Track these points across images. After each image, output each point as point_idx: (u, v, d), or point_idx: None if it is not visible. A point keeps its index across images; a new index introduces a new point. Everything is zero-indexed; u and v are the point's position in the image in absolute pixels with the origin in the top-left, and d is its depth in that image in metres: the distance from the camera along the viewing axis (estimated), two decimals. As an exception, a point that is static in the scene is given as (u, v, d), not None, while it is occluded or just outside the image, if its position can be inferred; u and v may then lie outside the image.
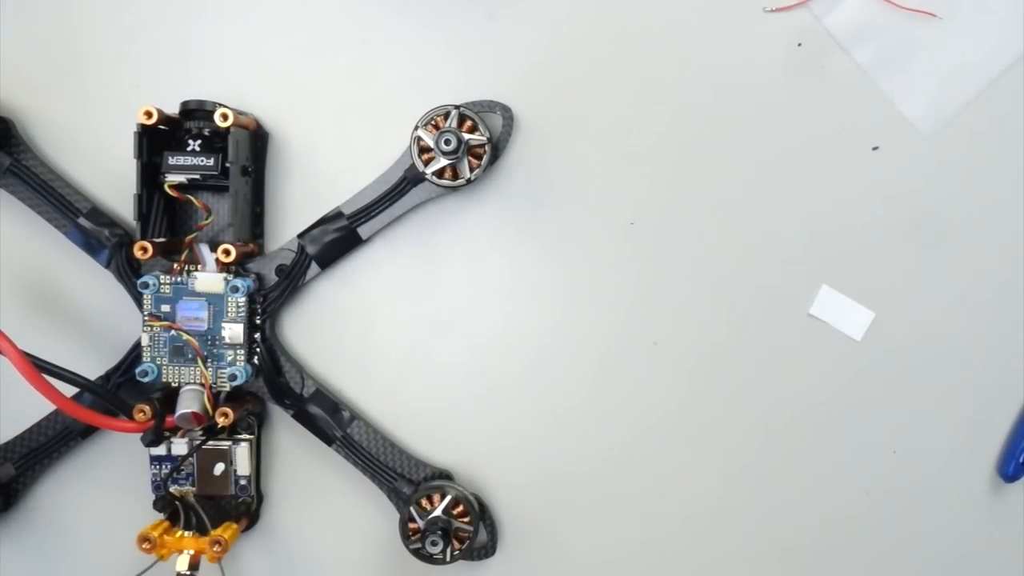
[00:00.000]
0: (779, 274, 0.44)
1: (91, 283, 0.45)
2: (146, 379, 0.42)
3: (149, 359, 0.43)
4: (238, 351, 0.43)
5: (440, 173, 0.42)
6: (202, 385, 0.43)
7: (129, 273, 0.43)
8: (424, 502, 0.42)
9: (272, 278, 0.44)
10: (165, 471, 0.43)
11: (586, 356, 0.45)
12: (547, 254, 0.45)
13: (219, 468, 0.44)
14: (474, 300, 0.45)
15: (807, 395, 0.45)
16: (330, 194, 0.44)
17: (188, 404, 0.42)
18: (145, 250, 0.41)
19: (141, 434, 0.42)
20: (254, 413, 0.44)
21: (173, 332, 0.43)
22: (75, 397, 0.42)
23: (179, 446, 0.43)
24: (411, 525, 0.42)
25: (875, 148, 0.43)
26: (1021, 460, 0.44)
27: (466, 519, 0.42)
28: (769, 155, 0.44)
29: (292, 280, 0.44)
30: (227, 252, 0.42)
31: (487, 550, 0.45)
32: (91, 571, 0.46)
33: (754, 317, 0.44)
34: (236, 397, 0.44)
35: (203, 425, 0.42)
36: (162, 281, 0.43)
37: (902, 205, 0.44)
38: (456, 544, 0.42)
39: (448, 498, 0.42)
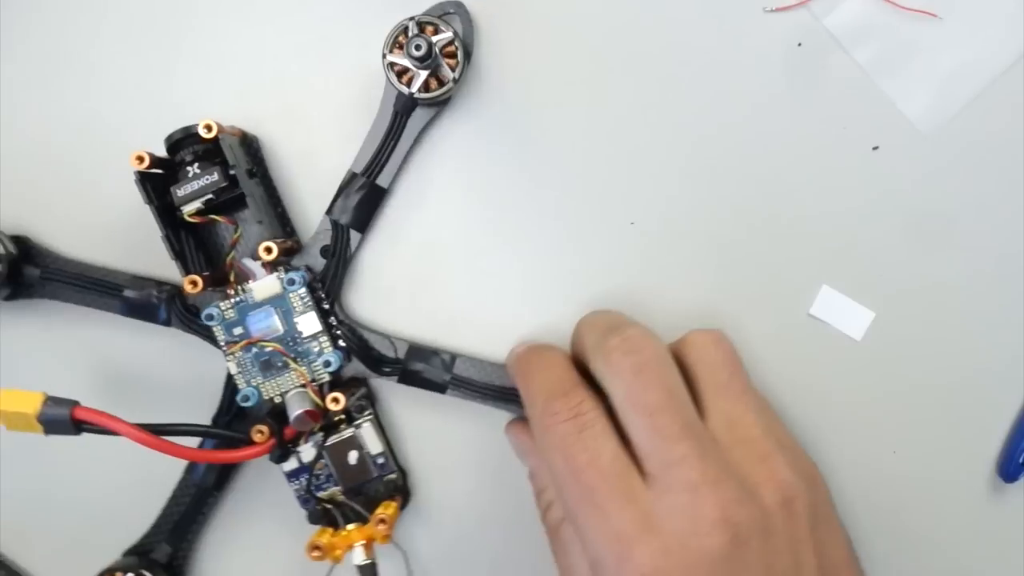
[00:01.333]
0: (779, 274, 0.43)
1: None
2: (249, 403, 0.42)
3: (244, 384, 0.43)
4: (321, 340, 0.43)
5: (425, 88, 0.41)
6: (303, 385, 0.43)
7: (191, 317, 0.43)
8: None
9: (321, 263, 0.44)
10: (304, 481, 0.43)
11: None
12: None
13: (353, 456, 0.44)
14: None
15: (807, 395, 0.44)
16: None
17: (298, 406, 0.41)
18: (195, 283, 0.41)
19: (269, 456, 0.42)
20: (362, 395, 0.44)
21: (255, 349, 0.43)
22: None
23: (307, 452, 0.43)
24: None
25: (875, 148, 0.43)
26: (1021, 460, 0.43)
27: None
28: (769, 155, 0.43)
29: (339, 256, 0.43)
30: (268, 249, 0.41)
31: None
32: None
33: (754, 317, 0.44)
34: (337, 384, 0.43)
35: (319, 422, 0.42)
36: (223, 308, 0.43)
37: (902, 205, 0.43)
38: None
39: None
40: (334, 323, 0.43)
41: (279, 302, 0.42)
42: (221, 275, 0.43)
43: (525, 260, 0.45)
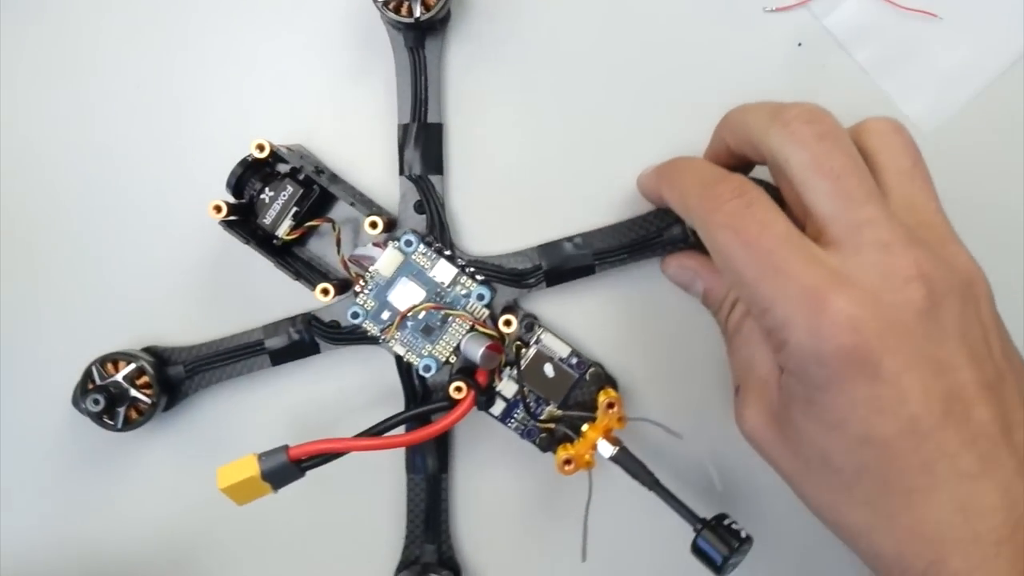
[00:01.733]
0: None
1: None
2: (432, 372, 0.42)
3: (417, 358, 0.42)
4: (461, 281, 0.42)
5: (425, 7, 0.41)
6: (471, 328, 0.42)
7: (336, 331, 0.43)
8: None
9: (421, 219, 0.44)
10: (519, 414, 0.43)
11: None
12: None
13: (549, 369, 0.43)
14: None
15: None
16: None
17: (477, 345, 0.41)
18: (327, 291, 0.41)
19: (476, 406, 0.41)
20: (524, 315, 0.44)
21: (409, 322, 0.42)
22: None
23: (507, 388, 0.43)
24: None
25: None
26: None
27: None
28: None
29: (433, 202, 0.43)
30: (374, 224, 0.41)
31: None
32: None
33: None
34: (495, 316, 0.43)
35: (503, 352, 0.42)
36: (362, 302, 0.42)
37: None
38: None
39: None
40: (462, 263, 0.43)
41: (406, 269, 0.42)
42: (345, 283, 0.42)
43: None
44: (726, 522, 0.38)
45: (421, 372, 0.42)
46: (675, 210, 0.39)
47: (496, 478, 0.46)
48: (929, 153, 0.41)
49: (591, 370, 0.43)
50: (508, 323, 0.42)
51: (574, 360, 0.43)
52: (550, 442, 0.43)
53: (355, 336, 0.43)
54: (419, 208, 0.43)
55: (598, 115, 0.45)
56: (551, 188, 0.45)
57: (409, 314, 0.42)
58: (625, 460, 0.41)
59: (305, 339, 0.44)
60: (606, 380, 0.43)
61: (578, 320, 0.45)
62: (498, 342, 0.41)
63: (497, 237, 0.45)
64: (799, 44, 0.43)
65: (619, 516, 0.45)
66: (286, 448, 0.39)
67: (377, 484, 0.46)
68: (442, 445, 0.45)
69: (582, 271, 0.43)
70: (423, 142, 0.43)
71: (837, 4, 0.43)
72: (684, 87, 0.44)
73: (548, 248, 0.43)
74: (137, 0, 0.45)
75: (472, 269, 0.43)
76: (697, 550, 0.38)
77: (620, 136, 0.45)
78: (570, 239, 0.43)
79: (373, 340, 0.43)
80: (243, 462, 0.39)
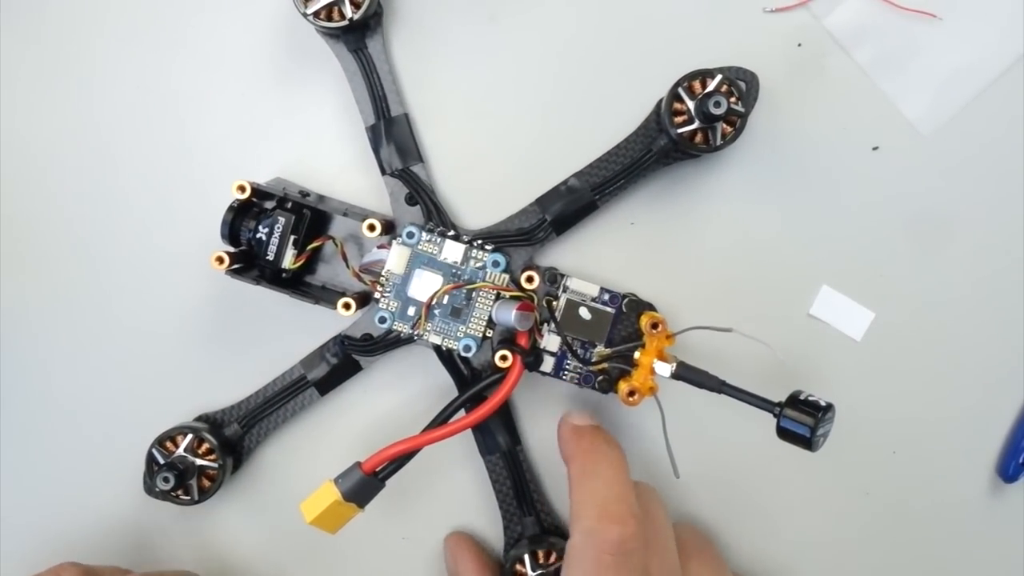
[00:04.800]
0: (779, 274, 0.43)
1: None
2: (472, 351, 0.42)
3: (454, 341, 0.42)
4: (472, 255, 0.42)
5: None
6: (497, 296, 0.42)
7: (372, 345, 0.44)
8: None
9: (415, 210, 0.43)
10: (570, 365, 0.43)
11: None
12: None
13: (584, 312, 0.43)
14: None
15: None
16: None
17: (508, 309, 0.41)
18: (348, 305, 0.41)
19: (527, 368, 0.41)
20: (545, 269, 0.44)
21: (437, 310, 0.42)
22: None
23: (550, 342, 0.43)
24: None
25: (875, 148, 0.43)
26: (1021, 460, 0.43)
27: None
28: (769, 155, 0.43)
29: (423, 191, 0.43)
30: (372, 227, 0.41)
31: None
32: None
33: (754, 317, 0.43)
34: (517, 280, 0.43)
35: (535, 309, 0.42)
36: (385, 307, 0.42)
37: (902, 205, 0.43)
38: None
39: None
40: (468, 239, 0.43)
41: (417, 260, 0.42)
42: (364, 295, 0.42)
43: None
44: (802, 397, 0.38)
45: (462, 353, 0.41)
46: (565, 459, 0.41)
47: None
48: (928, 154, 0.43)
49: (625, 300, 0.43)
50: (531, 279, 0.41)
51: (606, 296, 0.43)
52: (609, 382, 0.43)
53: (390, 342, 0.43)
54: (410, 200, 0.43)
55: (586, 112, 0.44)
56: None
57: (433, 302, 0.42)
58: (686, 373, 0.40)
59: (344, 361, 0.44)
60: (643, 306, 0.43)
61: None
62: (527, 300, 0.41)
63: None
64: (799, 44, 0.43)
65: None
66: (358, 464, 0.39)
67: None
68: (507, 419, 0.44)
69: (585, 210, 0.43)
70: (394, 136, 0.43)
71: (837, 4, 0.43)
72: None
73: (546, 198, 0.43)
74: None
75: (480, 241, 0.43)
76: (783, 431, 0.37)
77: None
78: (564, 183, 0.43)
79: (408, 340, 0.43)
80: (321, 491, 0.39)
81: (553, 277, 0.43)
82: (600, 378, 0.42)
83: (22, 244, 0.45)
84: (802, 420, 0.36)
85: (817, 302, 0.44)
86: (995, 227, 0.43)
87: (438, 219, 0.43)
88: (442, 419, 0.40)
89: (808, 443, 0.36)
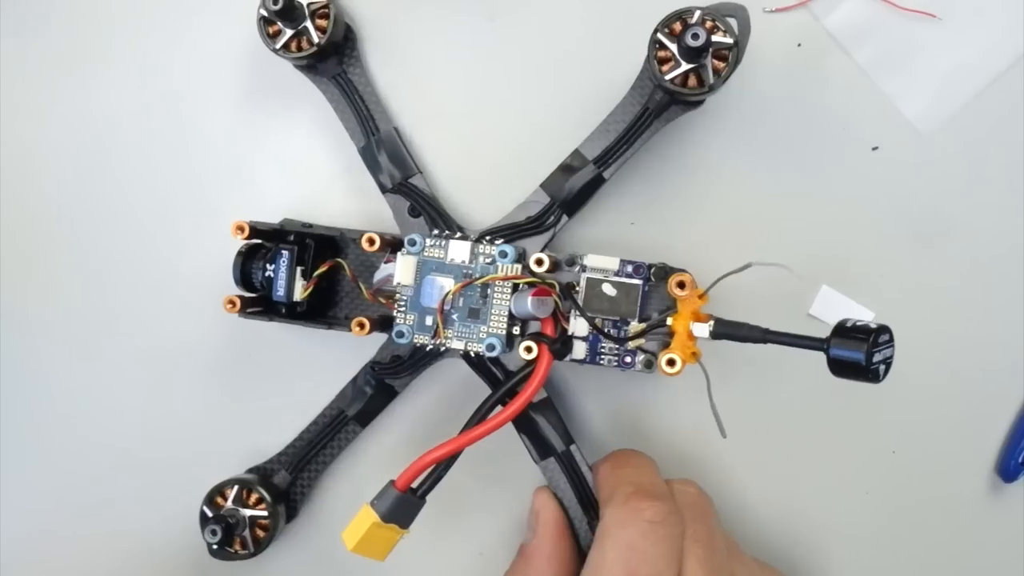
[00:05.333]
0: (779, 274, 0.41)
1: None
2: (497, 350, 0.40)
3: (478, 343, 0.40)
4: (479, 251, 0.40)
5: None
6: (513, 289, 0.40)
7: (401, 367, 0.42)
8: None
9: (419, 222, 0.42)
10: (606, 347, 0.40)
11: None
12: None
13: (608, 288, 0.40)
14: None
15: (807, 395, 0.43)
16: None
17: (524, 298, 0.39)
18: (363, 324, 0.40)
19: (556, 358, 0.39)
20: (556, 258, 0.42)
21: (454, 314, 0.41)
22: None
23: (579, 326, 0.40)
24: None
25: (875, 148, 0.43)
26: (1021, 460, 0.43)
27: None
28: (768, 155, 0.43)
29: (423, 199, 0.42)
30: (371, 240, 0.40)
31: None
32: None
33: (753, 317, 0.39)
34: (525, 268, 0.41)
35: (553, 293, 0.39)
36: (402, 321, 0.41)
37: (902, 205, 0.43)
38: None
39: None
40: (474, 237, 0.41)
41: (425, 268, 0.40)
42: (384, 320, 0.41)
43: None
44: (849, 324, 0.34)
45: (487, 353, 0.39)
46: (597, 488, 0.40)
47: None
48: (928, 154, 0.42)
49: (653, 269, 0.40)
50: (540, 262, 0.39)
51: (628, 268, 0.40)
52: (652, 358, 0.40)
53: (419, 359, 0.42)
54: (413, 212, 0.42)
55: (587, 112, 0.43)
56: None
57: (446, 306, 0.40)
58: (725, 329, 0.37)
59: (378, 388, 0.43)
60: (671, 271, 0.40)
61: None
62: (542, 285, 0.39)
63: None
64: (799, 44, 0.43)
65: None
66: (391, 482, 0.37)
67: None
68: (556, 418, 0.42)
69: (592, 185, 0.41)
70: (387, 153, 0.43)
71: (837, 5, 0.42)
72: None
73: (551, 181, 0.41)
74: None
75: (488, 237, 0.41)
76: (836, 365, 0.33)
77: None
78: (565, 163, 0.41)
79: (436, 353, 0.41)
80: (359, 516, 0.37)
81: (571, 260, 0.40)
82: (642, 356, 0.39)
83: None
84: (853, 347, 0.32)
85: (817, 302, 0.43)
86: (995, 227, 0.42)
87: (443, 225, 0.41)
88: (475, 420, 0.38)
89: (865, 372, 0.32)
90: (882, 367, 0.32)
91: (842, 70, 0.42)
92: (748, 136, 0.42)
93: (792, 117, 0.42)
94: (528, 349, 0.38)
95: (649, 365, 0.39)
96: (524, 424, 0.41)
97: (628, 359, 0.39)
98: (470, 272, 0.40)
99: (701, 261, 0.41)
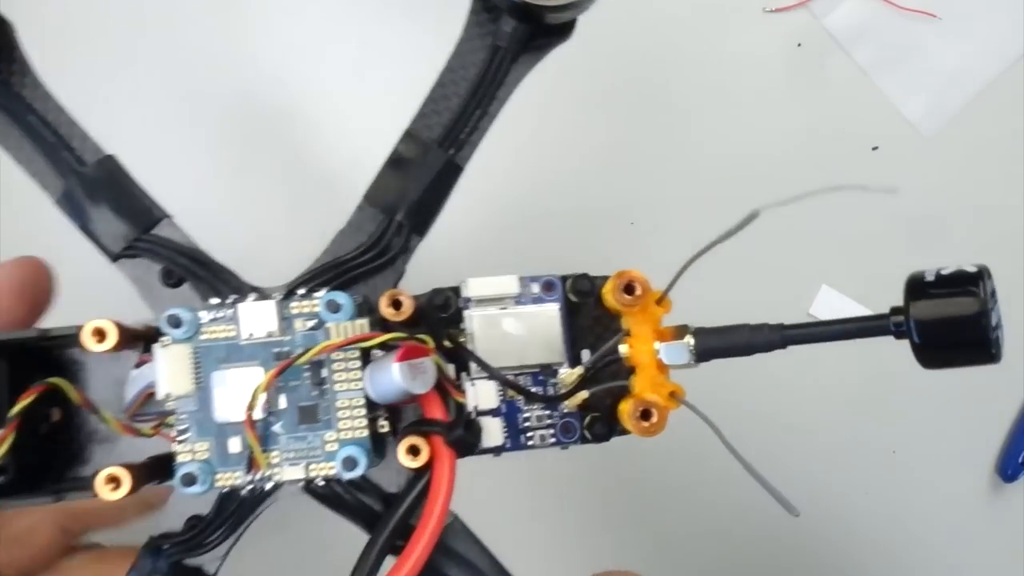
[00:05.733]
0: (779, 274, 0.43)
1: None
2: (360, 468, 0.24)
3: (328, 458, 0.24)
4: (296, 308, 0.25)
5: None
6: (361, 358, 0.24)
7: (204, 535, 0.26)
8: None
9: (184, 291, 0.26)
10: (532, 415, 0.25)
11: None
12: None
13: (510, 325, 0.25)
14: None
15: (806, 395, 0.43)
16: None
17: (385, 368, 0.23)
18: (115, 479, 0.23)
19: (460, 453, 0.24)
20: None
21: (273, 422, 0.24)
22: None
23: (483, 392, 0.25)
24: None
25: (875, 148, 0.43)
26: (1021, 460, 0.43)
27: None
28: (769, 155, 0.43)
29: (174, 257, 0.26)
30: (98, 333, 0.23)
31: None
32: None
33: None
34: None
35: (427, 352, 0.24)
36: (191, 458, 0.24)
37: (902, 205, 0.43)
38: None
39: None
40: (279, 296, 0.25)
41: (210, 358, 0.24)
42: (153, 460, 0.24)
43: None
44: (928, 276, 0.20)
45: (345, 475, 0.23)
46: None
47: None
48: (928, 154, 0.43)
49: (569, 282, 0.26)
50: (396, 303, 0.24)
51: (535, 288, 0.26)
52: (606, 416, 0.25)
53: (233, 512, 0.25)
54: (170, 278, 0.26)
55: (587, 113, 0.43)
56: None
57: (258, 413, 0.24)
58: (716, 341, 0.23)
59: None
60: (598, 281, 0.26)
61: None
62: (409, 342, 0.23)
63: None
64: (799, 44, 0.43)
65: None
66: None
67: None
68: (480, 556, 0.26)
69: (444, 177, 0.27)
70: (108, 195, 0.27)
71: (837, 4, 0.42)
72: (684, 87, 0.42)
73: (377, 189, 0.27)
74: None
75: (302, 290, 0.25)
76: (929, 340, 0.19)
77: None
78: (395, 155, 0.27)
79: (259, 497, 0.25)
80: None
81: (443, 299, 0.25)
82: (588, 418, 0.24)
83: None
84: (957, 308, 0.18)
85: (817, 302, 0.43)
86: (995, 227, 0.42)
87: (223, 286, 0.25)
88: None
89: (983, 342, 0.18)
90: (998, 333, 0.19)
91: (842, 70, 0.42)
92: (749, 137, 0.42)
93: (792, 117, 0.42)
94: (412, 450, 0.22)
95: (604, 432, 0.24)
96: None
97: (570, 428, 0.24)
98: (286, 350, 0.23)
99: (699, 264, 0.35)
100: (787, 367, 0.37)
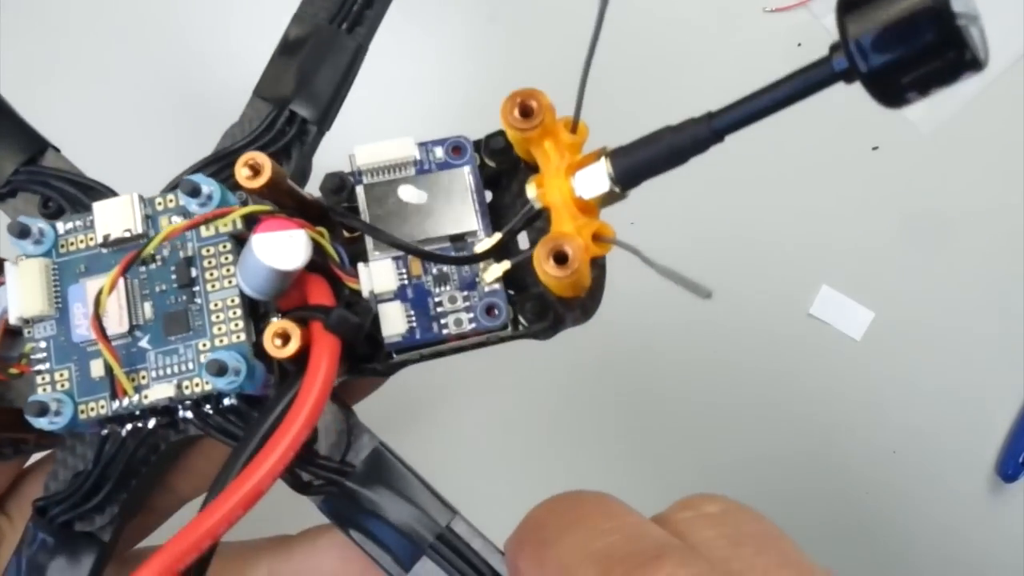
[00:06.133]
0: (779, 274, 0.43)
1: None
2: (237, 381, 0.20)
3: (198, 372, 0.20)
4: (161, 203, 0.22)
5: None
6: (231, 239, 0.20)
7: (94, 491, 0.22)
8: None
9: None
10: (450, 295, 0.20)
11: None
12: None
13: (408, 193, 0.21)
14: None
15: (807, 395, 0.43)
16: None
17: (248, 246, 0.19)
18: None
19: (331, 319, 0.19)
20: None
21: (139, 334, 0.21)
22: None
23: (380, 273, 0.21)
24: None
25: (875, 148, 0.43)
26: (1021, 460, 0.43)
27: None
28: (769, 155, 0.42)
29: (66, 186, 0.23)
30: None
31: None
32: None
33: (754, 317, 0.43)
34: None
35: (300, 224, 0.20)
36: (51, 388, 0.21)
37: (902, 205, 0.43)
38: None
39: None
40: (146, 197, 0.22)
41: (68, 272, 0.21)
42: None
43: None
44: None
45: (222, 388, 0.19)
46: None
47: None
48: (928, 153, 0.42)
49: (491, 141, 0.21)
50: (254, 167, 0.20)
51: (438, 152, 0.21)
52: (539, 298, 0.20)
53: (119, 458, 0.21)
54: (46, 206, 0.23)
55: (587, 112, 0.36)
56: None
57: (115, 328, 0.20)
58: (635, 158, 0.18)
59: (64, 548, 0.22)
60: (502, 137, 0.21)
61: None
62: (270, 214, 0.20)
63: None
64: (799, 44, 0.43)
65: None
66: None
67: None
68: (403, 479, 0.21)
69: (339, 57, 0.24)
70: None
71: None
72: (684, 87, 0.42)
73: (267, 79, 0.24)
74: None
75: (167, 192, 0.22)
76: (876, 68, 0.14)
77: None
78: (284, 40, 0.24)
79: (143, 437, 0.21)
80: None
81: (338, 182, 0.21)
82: (514, 294, 0.20)
83: None
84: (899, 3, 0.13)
85: (817, 302, 0.43)
86: (994, 227, 0.42)
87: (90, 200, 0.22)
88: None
89: (951, 41, 0.13)
90: (972, 25, 0.13)
91: None
92: (748, 137, 0.34)
93: (792, 117, 0.36)
94: (280, 337, 0.18)
95: (538, 310, 0.19)
96: (343, 511, 0.20)
97: (495, 309, 0.20)
98: (143, 237, 0.20)
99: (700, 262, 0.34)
100: (787, 366, 0.41)
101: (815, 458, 0.41)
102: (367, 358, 0.21)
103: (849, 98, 0.37)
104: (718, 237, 0.42)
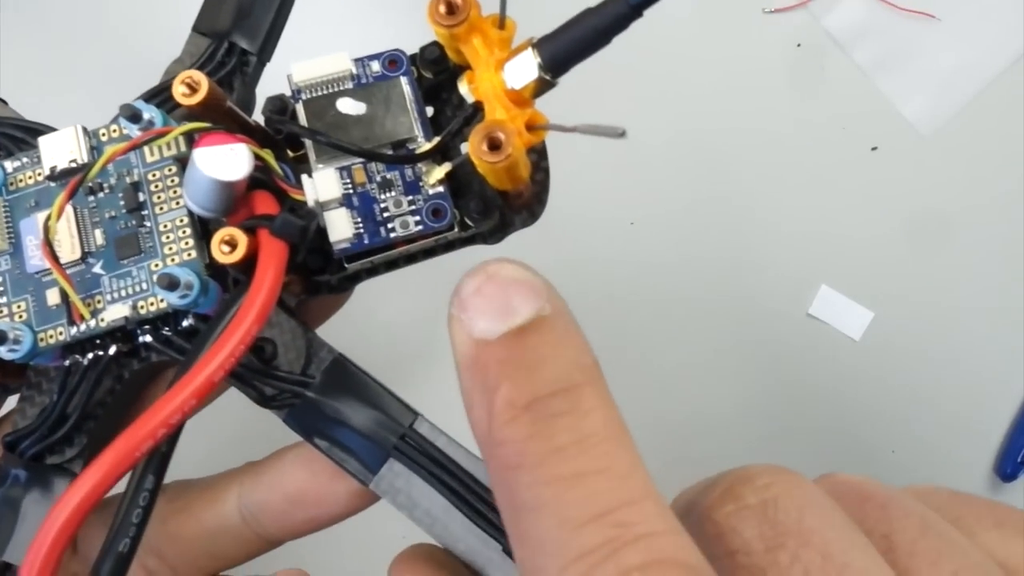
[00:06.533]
0: (778, 274, 0.43)
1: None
2: (189, 296, 0.20)
3: (151, 291, 0.20)
4: (104, 133, 0.22)
5: None
6: (177, 165, 0.21)
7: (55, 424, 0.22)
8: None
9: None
10: (396, 198, 0.21)
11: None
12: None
13: (348, 105, 0.22)
14: None
15: (806, 395, 0.43)
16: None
17: (191, 163, 0.20)
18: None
19: (277, 224, 0.19)
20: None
21: (93, 261, 0.21)
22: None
23: (324, 182, 0.21)
24: None
25: (875, 148, 0.43)
26: (1019, 460, 0.43)
27: None
28: (769, 155, 0.43)
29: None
30: None
31: None
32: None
33: (754, 317, 0.43)
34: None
35: (239, 139, 0.20)
36: (9, 319, 0.21)
37: (902, 205, 0.43)
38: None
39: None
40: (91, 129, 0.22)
41: (20, 207, 0.21)
42: None
43: None
44: None
45: (175, 303, 0.20)
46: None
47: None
48: (928, 154, 0.43)
49: (425, 52, 0.22)
50: (191, 85, 0.20)
51: (375, 65, 0.22)
52: (481, 194, 0.21)
53: (87, 396, 0.22)
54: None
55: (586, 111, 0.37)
56: None
57: (67, 255, 0.20)
58: (555, 43, 0.18)
59: (34, 483, 0.22)
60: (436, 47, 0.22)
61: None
62: (210, 130, 0.20)
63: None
64: (798, 45, 0.43)
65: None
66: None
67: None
68: (362, 385, 0.21)
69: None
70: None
71: (836, 5, 0.42)
72: (684, 87, 0.42)
73: (204, 12, 0.24)
74: None
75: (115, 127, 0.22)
76: None
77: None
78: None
79: (104, 365, 0.21)
80: None
81: (279, 103, 0.21)
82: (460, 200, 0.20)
83: None
84: None
85: (817, 302, 0.43)
86: (994, 227, 0.42)
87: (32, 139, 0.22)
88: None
89: None
90: None
91: (842, 70, 0.42)
92: (749, 136, 0.42)
93: (792, 117, 0.42)
94: (227, 243, 0.18)
95: (481, 209, 0.20)
96: (307, 421, 0.20)
97: (440, 211, 0.20)
98: (99, 182, 0.21)
99: (702, 258, 0.41)
100: (786, 366, 0.42)
101: (815, 458, 0.41)
102: (319, 271, 0.21)
103: (849, 98, 0.39)
104: (718, 237, 0.42)
